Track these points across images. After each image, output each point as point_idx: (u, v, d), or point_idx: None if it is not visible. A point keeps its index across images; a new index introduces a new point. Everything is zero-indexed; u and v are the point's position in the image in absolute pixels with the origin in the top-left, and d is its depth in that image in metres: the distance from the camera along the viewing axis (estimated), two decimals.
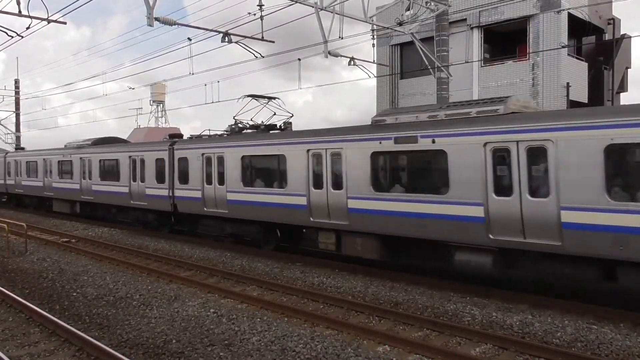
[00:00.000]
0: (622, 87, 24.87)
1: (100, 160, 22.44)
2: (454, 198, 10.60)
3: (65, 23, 16.42)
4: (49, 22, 15.33)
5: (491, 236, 10.09)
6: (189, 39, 16.65)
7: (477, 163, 10.27)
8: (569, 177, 9.07)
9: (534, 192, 9.58)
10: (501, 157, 10.01)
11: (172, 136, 20.62)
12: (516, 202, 9.71)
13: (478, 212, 10.20)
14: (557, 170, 9.20)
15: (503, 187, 9.97)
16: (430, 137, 11.04)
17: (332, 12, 14.64)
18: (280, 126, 16.72)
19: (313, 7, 14.37)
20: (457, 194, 10.57)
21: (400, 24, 16.16)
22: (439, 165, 11.01)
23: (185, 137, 19.74)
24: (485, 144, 10.18)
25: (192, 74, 18.31)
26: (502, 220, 9.90)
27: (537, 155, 9.55)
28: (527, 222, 9.58)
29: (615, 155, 8.72)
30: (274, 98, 17.76)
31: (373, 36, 18.61)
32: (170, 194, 18.13)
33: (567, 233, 9.08)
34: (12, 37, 16.17)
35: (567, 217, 9.07)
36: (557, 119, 9.40)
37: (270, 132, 16.22)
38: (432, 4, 16.20)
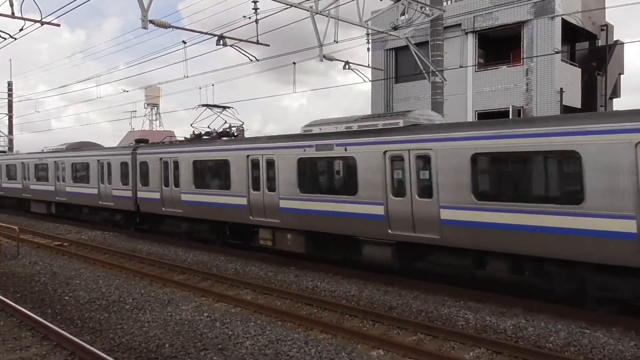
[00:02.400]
0: (615, 93, 25.11)
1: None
2: None
3: (59, 25, 16.43)
4: (42, 24, 15.28)
5: None
6: (184, 42, 16.77)
7: None
8: None
9: None
10: None
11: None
12: None
13: None
14: None
15: None
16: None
17: (327, 16, 14.67)
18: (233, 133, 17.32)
19: (308, 10, 14.39)
20: None
21: (395, 28, 16.22)
22: None
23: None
24: None
25: (187, 77, 18.36)
26: None
27: None
28: None
29: None
30: (228, 107, 18.08)
31: (368, 40, 18.70)
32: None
33: None
34: (5, 39, 16.14)
35: None
36: None
37: None
38: (427, 8, 16.31)
